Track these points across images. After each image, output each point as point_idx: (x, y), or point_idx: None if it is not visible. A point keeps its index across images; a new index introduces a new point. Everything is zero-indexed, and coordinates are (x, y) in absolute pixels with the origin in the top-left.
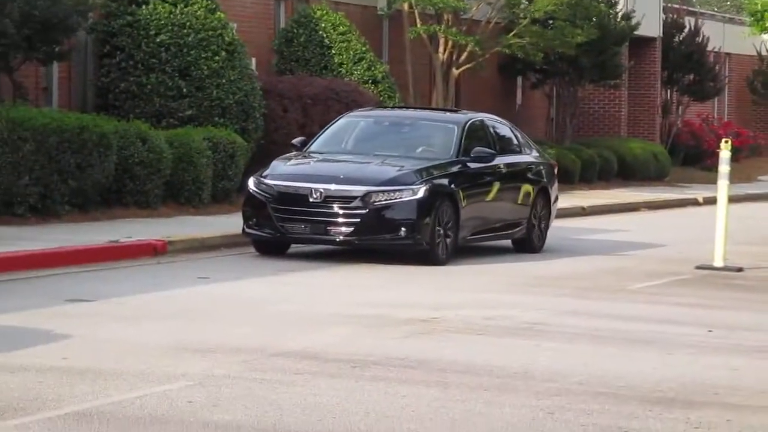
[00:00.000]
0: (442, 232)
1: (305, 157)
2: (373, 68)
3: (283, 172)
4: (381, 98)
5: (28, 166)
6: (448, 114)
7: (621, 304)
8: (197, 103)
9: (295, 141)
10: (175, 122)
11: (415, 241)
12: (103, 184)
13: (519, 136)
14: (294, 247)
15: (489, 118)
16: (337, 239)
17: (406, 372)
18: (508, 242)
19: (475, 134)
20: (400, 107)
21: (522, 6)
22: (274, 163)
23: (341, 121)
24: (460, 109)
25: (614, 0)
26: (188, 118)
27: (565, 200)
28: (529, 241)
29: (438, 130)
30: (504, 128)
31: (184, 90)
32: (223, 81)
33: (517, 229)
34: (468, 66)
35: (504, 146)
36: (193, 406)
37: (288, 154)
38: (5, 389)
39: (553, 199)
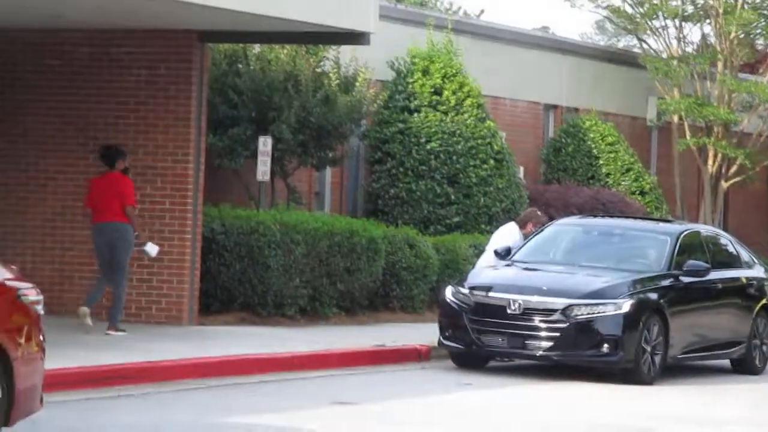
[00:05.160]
0: (648, 349)
1: (508, 266)
2: (640, 179)
3: (480, 282)
4: (648, 209)
5: (299, 268)
6: (661, 224)
7: None
8: (464, 210)
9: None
10: (442, 228)
11: (619, 358)
12: (371, 288)
13: (741, 249)
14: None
15: (706, 230)
16: (537, 354)
17: None
18: (720, 363)
19: (690, 246)
20: (611, 216)
21: None
22: (474, 271)
23: (549, 230)
24: (727, 221)
25: None
26: (455, 224)
27: None
28: (749, 361)
29: (649, 241)
30: (723, 241)
31: (452, 197)
32: (491, 189)
33: (736, 348)
34: (737, 179)
35: (722, 260)
36: None
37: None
38: None
39: None
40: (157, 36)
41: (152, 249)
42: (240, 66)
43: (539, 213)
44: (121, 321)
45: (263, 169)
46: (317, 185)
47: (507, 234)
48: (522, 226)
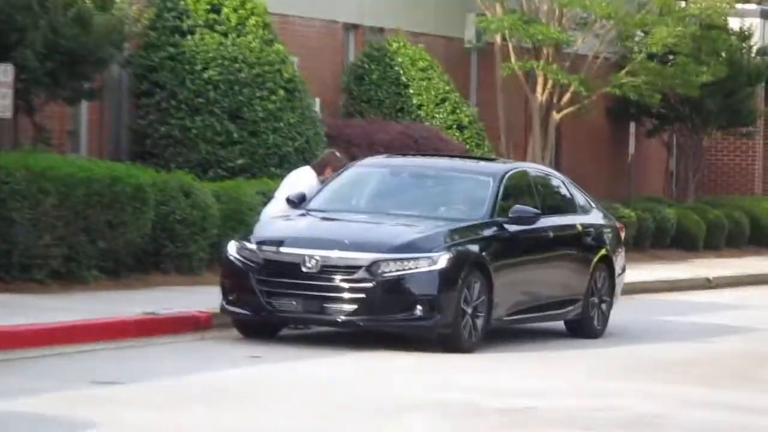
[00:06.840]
0: (469, 311)
1: (302, 215)
2: (458, 111)
3: (270, 236)
4: (467, 146)
5: (50, 223)
6: (482, 164)
7: (750, 395)
8: (250, 150)
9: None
10: (224, 173)
11: (435, 322)
12: (139, 245)
13: (576, 192)
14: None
15: (535, 170)
16: (338, 319)
17: None
18: (554, 325)
19: (516, 189)
20: (424, 155)
21: (636, 39)
22: (262, 223)
23: (351, 172)
24: (560, 159)
25: (748, 32)
26: (240, 168)
27: (688, 269)
28: (586, 322)
29: (468, 184)
30: (555, 182)
31: (235, 135)
32: (281, 125)
33: (571, 307)
34: (571, 109)
35: (554, 204)
36: None
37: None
38: None
39: (618, 270)
40: None
41: None
42: None
43: (339, 155)
44: None
45: (4, 103)
46: (71, 123)
47: (301, 179)
48: (319, 171)
